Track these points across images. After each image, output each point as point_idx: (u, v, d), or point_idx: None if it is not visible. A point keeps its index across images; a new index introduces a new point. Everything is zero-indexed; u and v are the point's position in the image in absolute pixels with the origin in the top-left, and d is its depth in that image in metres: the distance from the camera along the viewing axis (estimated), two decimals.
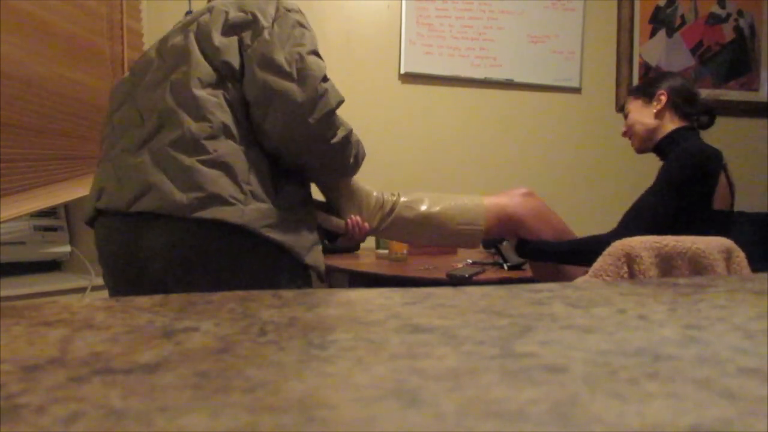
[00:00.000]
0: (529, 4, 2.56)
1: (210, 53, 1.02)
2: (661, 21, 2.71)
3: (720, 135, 2.79)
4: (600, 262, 1.16)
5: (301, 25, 1.05)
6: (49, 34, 1.65)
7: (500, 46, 2.54)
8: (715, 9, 2.76)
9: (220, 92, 1.01)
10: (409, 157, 2.50)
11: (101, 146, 1.13)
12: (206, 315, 0.33)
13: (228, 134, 0.99)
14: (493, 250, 1.88)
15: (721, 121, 2.78)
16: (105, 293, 1.15)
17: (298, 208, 1.06)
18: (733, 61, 2.78)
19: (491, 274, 1.68)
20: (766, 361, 0.24)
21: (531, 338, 0.28)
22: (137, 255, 1.00)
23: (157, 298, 0.38)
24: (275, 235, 0.99)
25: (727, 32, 2.77)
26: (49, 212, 1.88)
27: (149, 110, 1.02)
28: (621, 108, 1.60)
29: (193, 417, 0.18)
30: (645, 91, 1.49)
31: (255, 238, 0.97)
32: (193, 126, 0.97)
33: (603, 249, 1.16)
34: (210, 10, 1.07)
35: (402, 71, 2.47)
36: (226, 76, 1.01)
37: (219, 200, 0.95)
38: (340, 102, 1.04)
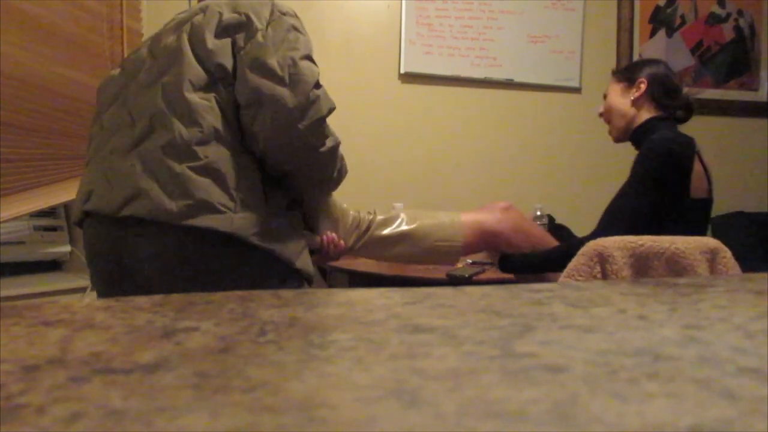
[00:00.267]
0: (529, 4, 2.56)
1: (203, 55, 1.01)
2: (661, 21, 2.71)
3: (720, 135, 2.80)
4: (573, 263, 1.16)
5: (296, 29, 1.04)
6: (49, 34, 1.64)
7: (500, 46, 2.54)
8: (715, 9, 2.76)
9: (212, 95, 1.00)
10: (409, 157, 2.50)
11: (89, 144, 1.12)
12: (206, 315, 0.33)
13: (219, 139, 0.98)
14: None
15: (721, 121, 2.79)
16: None
17: (286, 213, 1.06)
18: (733, 61, 2.78)
19: (491, 274, 1.68)
20: (766, 361, 0.24)
21: (531, 338, 0.28)
22: (125, 260, 0.99)
23: (157, 298, 0.38)
24: (265, 243, 0.98)
25: (727, 32, 2.77)
26: (49, 212, 1.88)
27: (140, 112, 1.01)
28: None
29: (193, 417, 0.18)
30: (627, 75, 1.46)
31: (244, 246, 0.97)
32: (184, 131, 0.96)
33: None
34: (204, 10, 1.06)
35: (402, 71, 2.47)
36: (218, 79, 1.00)
37: (208, 208, 0.94)
38: (331, 109, 1.03)
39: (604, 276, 1.12)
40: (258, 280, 1.00)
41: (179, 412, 0.19)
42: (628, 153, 1.53)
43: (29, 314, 0.34)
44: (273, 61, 0.98)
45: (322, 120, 1.00)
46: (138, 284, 0.98)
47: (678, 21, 2.72)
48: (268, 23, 1.02)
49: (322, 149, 1.03)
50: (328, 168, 1.10)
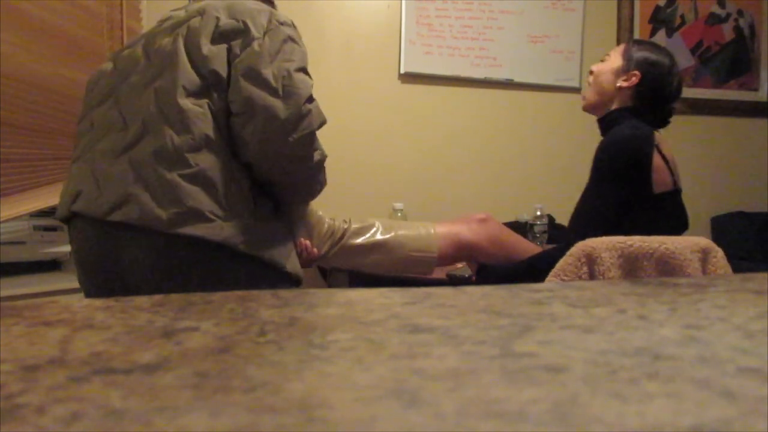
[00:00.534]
0: (529, 4, 2.56)
1: (197, 61, 1.00)
2: (661, 21, 2.71)
3: (720, 135, 2.80)
4: (561, 263, 1.15)
5: (293, 40, 1.03)
6: (49, 34, 1.65)
7: (500, 46, 2.54)
8: (715, 9, 2.76)
9: (204, 101, 0.99)
10: (409, 157, 2.50)
11: (78, 141, 1.11)
12: (206, 315, 0.33)
13: (210, 146, 0.98)
14: None
15: (721, 121, 2.79)
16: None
17: (275, 218, 1.06)
18: (732, 61, 2.78)
19: None
20: (766, 361, 0.24)
21: (531, 338, 0.28)
22: (113, 266, 0.99)
23: (157, 298, 0.38)
24: (254, 251, 0.98)
25: (727, 32, 2.77)
26: (49, 212, 1.87)
27: (132, 115, 1.01)
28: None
29: (193, 417, 0.18)
30: (629, 56, 1.41)
31: (234, 253, 0.97)
32: (175, 138, 0.96)
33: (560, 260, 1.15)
34: (201, 13, 1.05)
35: (402, 71, 2.47)
36: (212, 85, 1.00)
37: (198, 216, 0.94)
38: (323, 123, 1.03)
39: (591, 276, 1.11)
40: (248, 287, 1.00)
41: (179, 412, 0.19)
42: None
43: (29, 314, 0.34)
44: (268, 72, 0.97)
45: (312, 134, 1.00)
46: (127, 290, 0.98)
47: (678, 21, 2.72)
48: (266, 32, 1.01)
49: (310, 163, 1.03)
50: (315, 181, 1.10)
